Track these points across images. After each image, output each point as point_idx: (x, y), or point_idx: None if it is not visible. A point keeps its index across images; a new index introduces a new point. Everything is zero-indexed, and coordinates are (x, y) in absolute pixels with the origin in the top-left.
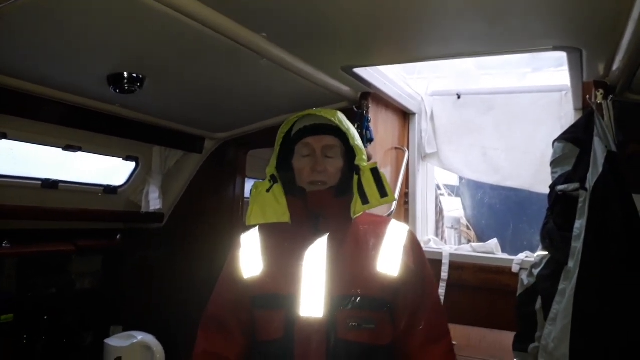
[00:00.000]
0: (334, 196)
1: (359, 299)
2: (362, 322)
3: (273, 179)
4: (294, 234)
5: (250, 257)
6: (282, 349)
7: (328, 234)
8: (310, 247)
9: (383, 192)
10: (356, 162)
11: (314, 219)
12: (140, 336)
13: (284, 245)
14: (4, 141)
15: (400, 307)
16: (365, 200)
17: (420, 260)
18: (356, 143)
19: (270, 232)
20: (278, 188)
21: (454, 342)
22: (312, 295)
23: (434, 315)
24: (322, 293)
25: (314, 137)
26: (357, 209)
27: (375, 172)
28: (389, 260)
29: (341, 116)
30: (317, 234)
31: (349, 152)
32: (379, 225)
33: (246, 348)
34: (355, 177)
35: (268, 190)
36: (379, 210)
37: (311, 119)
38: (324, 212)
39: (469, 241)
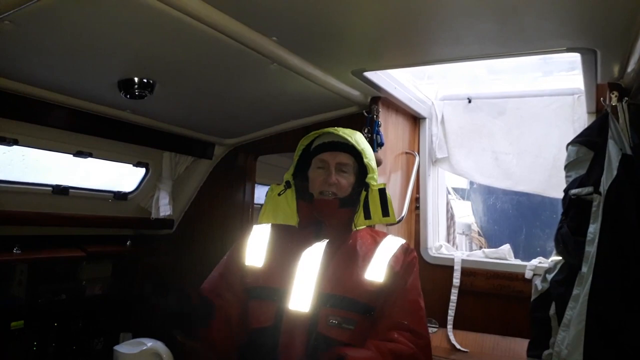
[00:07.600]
0: (339, 206)
1: (342, 299)
2: (343, 321)
3: (287, 185)
4: (298, 236)
5: (256, 247)
6: (270, 337)
7: (327, 239)
8: (309, 248)
9: (385, 212)
10: (367, 180)
11: (317, 224)
12: (149, 343)
13: (287, 245)
14: (15, 147)
15: (380, 307)
16: (367, 216)
17: (408, 267)
18: (369, 162)
19: (279, 230)
20: (291, 193)
21: (465, 350)
22: (302, 292)
23: (403, 314)
24: (311, 290)
25: (330, 153)
26: (359, 222)
27: (382, 192)
28: (377, 268)
29: (359, 137)
30: (317, 238)
31: (361, 170)
32: (375, 239)
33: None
34: (363, 194)
35: (280, 194)
36: None
37: (330, 136)
38: (327, 220)
39: (480, 247)
